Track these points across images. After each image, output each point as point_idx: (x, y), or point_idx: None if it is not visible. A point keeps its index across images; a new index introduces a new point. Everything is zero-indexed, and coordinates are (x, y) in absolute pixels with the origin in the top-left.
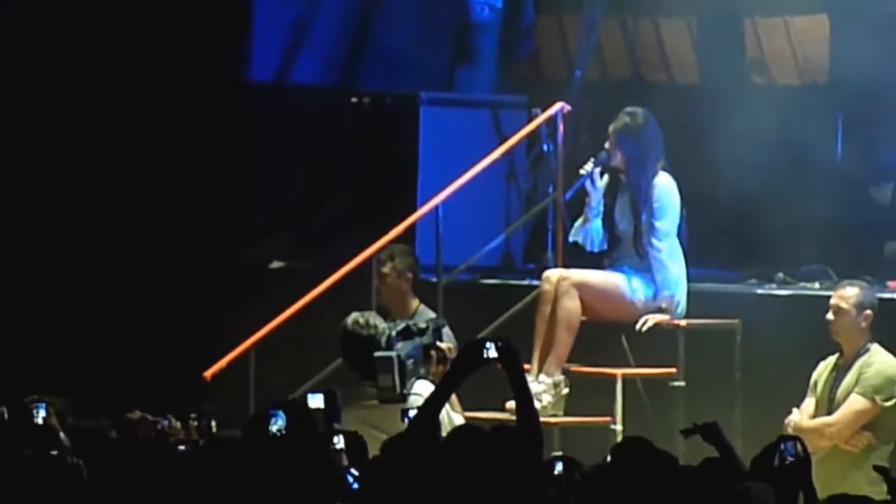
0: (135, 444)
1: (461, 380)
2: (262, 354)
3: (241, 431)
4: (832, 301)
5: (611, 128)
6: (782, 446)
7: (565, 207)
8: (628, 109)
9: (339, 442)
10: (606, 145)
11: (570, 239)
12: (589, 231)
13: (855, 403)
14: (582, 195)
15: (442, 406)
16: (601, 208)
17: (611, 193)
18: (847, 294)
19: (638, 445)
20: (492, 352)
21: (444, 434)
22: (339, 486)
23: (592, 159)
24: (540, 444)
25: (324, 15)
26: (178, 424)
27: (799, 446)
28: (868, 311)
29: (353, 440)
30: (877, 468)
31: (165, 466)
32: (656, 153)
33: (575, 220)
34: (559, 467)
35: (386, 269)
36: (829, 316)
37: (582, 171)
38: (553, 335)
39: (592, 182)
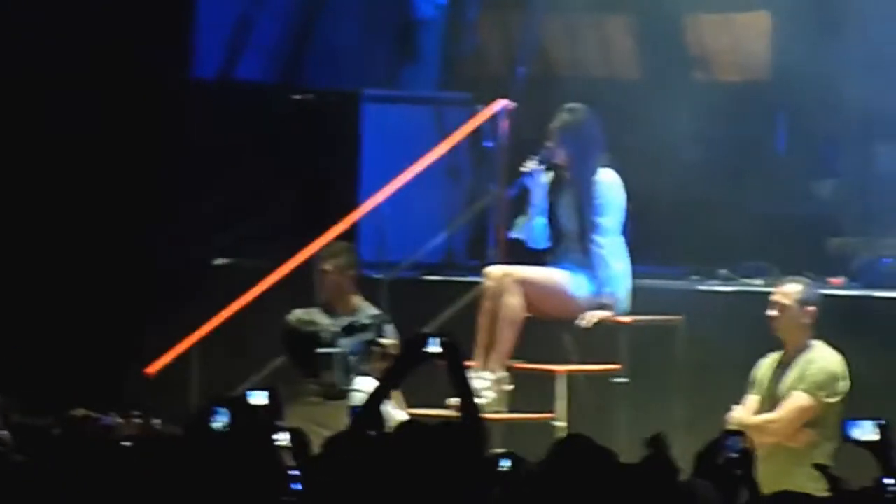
0: (79, 441)
1: (404, 375)
2: (206, 351)
3: (182, 428)
4: (775, 297)
5: (553, 125)
6: (726, 441)
7: (508, 204)
8: (569, 106)
9: (282, 439)
10: (549, 142)
11: (513, 235)
12: (532, 228)
13: (798, 400)
14: (525, 192)
15: (385, 401)
16: (544, 205)
17: (554, 190)
18: (789, 290)
19: (579, 442)
20: (434, 347)
21: (387, 430)
22: (282, 483)
23: (535, 156)
24: (484, 441)
25: (267, 13)
26: (122, 421)
27: (743, 441)
28: (810, 308)
29: (297, 437)
30: (817, 466)
31: (109, 463)
32: (598, 150)
33: (518, 216)
34: (503, 464)
35: (328, 267)
36: (772, 312)
37: (525, 168)
38: (496, 332)
39: (535, 179)
